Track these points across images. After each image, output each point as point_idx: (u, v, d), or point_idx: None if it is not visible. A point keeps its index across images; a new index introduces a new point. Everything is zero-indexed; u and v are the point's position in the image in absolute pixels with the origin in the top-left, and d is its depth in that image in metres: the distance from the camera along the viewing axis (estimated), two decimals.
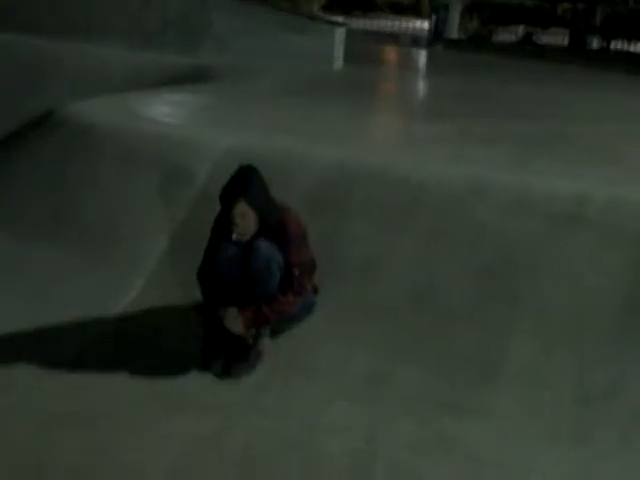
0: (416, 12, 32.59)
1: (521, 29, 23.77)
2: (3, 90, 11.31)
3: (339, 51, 12.67)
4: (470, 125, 7.92)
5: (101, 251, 5.66)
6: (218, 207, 4.82)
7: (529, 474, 3.83)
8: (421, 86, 12.61)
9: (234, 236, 4.52)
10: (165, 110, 7.88)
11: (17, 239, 5.93)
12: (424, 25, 24.22)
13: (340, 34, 12.87)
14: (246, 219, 4.47)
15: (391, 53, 16.89)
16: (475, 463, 3.86)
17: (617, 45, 21.56)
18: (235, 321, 4.48)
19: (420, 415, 4.21)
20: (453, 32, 21.31)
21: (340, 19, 18.48)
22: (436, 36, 20.16)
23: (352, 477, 3.72)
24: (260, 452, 3.86)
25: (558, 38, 22.92)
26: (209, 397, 4.30)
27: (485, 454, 3.93)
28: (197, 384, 4.41)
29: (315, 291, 4.77)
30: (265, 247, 4.48)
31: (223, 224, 4.55)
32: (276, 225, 4.54)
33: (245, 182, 4.50)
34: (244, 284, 4.49)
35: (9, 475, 3.58)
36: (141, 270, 5.43)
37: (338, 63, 12.58)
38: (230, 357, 4.54)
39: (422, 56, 16.37)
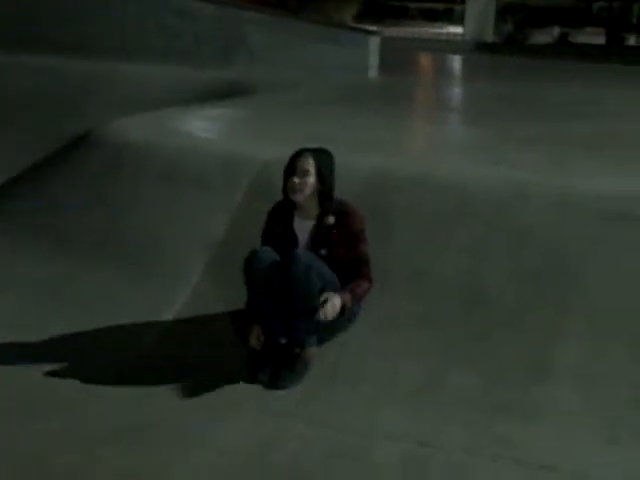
0: (449, 18, 32.52)
1: (556, 30, 23.62)
2: (43, 111, 11.40)
3: (374, 59, 12.63)
4: (511, 128, 7.87)
5: (145, 268, 5.66)
6: (259, 220, 4.82)
7: (586, 476, 3.76)
8: (458, 91, 12.55)
9: (289, 193, 4.63)
10: (203, 125, 7.90)
11: (61, 258, 5.95)
12: (457, 30, 24.13)
13: (374, 42, 12.84)
14: (306, 178, 4.60)
15: (426, 59, 16.83)
16: (530, 465, 3.80)
17: None
18: (334, 308, 4.44)
19: (472, 419, 4.16)
20: (488, 36, 21.20)
21: (373, 27, 18.44)
22: None
23: None
24: (310, 461, 3.83)
25: (594, 37, 22.75)
26: (256, 407, 4.28)
27: (540, 456, 3.87)
28: (244, 394, 4.39)
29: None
30: (305, 256, 4.49)
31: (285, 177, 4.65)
32: (339, 215, 4.64)
33: (319, 149, 4.72)
34: (284, 293, 4.47)
35: None
36: (184, 285, 5.43)
37: (373, 71, 12.55)
38: (277, 367, 4.52)
39: (457, 61, 16.30)
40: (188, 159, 6.40)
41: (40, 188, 7.06)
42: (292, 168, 4.65)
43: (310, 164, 4.62)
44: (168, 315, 5.19)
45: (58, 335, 4.99)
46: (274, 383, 4.46)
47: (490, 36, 21.71)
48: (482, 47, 19.00)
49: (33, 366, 4.67)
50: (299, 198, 4.65)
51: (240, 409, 4.26)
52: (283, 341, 4.55)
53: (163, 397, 4.36)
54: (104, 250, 5.95)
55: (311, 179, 4.63)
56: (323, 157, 4.70)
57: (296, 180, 4.62)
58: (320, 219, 4.67)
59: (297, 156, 4.67)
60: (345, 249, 4.62)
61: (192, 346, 4.89)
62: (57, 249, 6.10)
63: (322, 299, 4.43)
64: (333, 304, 4.43)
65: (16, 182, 7.62)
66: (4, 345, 4.92)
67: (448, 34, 25.24)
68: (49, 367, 4.65)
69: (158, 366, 4.70)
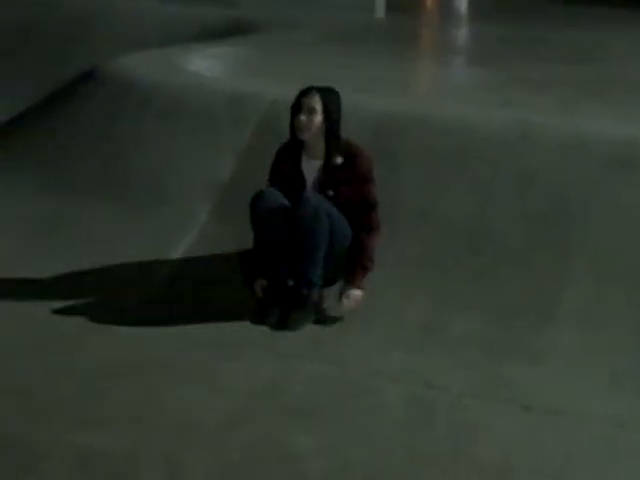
0: None
1: None
2: (42, 48, 11.32)
3: None
4: (518, 71, 7.81)
5: (150, 207, 5.65)
6: (267, 159, 4.80)
7: (589, 420, 3.77)
8: (466, 32, 12.43)
9: (296, 131, 4.61)
10: (208, 64, 7.84)
11: (65, 197, 5.94)
12: None
13: None
14: (312, 115, 4.58)
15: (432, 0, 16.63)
16: (535, 409, 3.81)
17: None
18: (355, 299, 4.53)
19: (477, 361, 4.19)
20: None
21: None
22: None
23: (413, 422, 3.70)
24: (317, 401, 3.85)
25: None
26: (264, 348, 4.30)
27: (544, 400, 3.89)
28: (251, 335, 4.42)
29: None
30: (314, 197, 4.49)
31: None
32: (347, 155, 4.62)
33: (326, 87, 4.69)
34: (292, 234, 4.49)
35: (65, 425, 3.60)
36: (192, 225, 5.42)
37: (380, 11, 12.37)
38: (285, 308, 4.52)
39: (464, 2, 16.10)
40: (194, 97, 6.35)
41: (43, 125, 7.01)
42: (299, 106, 4.62)
43: (317, 102, 4.59)
44: (175, 255, 5.19)
45: (61, 273, 5.00)
46: (282, 325, 4.47)
47: None
48: None
49: (36, 303, 4.70)
50: (306, 136, 4.63)
51: (247, 349, 4.27)
52: (291, 283, 4.55)
53: (168, 336, 4.39)
54: (108, 189, 5.93)
55: (318, 117, 4.60)
56: (330, 95, 4.67)
57: (303, 118, 4.59)
58: (328, 158, 4.65)
59: (304, 94, 4.64)
60: (353, 190, 4.61)
61: (199, 286, 4.90)
62: (60, 187, 6.08)
63: (340, 291, 4.54)
64: (352, 295, 4.52)
65: (19, 118, 7.58)
66: (6, 282, 4.95)
67: None
68: (53, 304, 4.67)
69: (164, 305, 4.72)
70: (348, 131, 4.78)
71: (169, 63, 7.54)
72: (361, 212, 4.60)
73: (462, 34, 12.26)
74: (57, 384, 3.92)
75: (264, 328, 4.47)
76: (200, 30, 10.90)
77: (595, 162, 5.09)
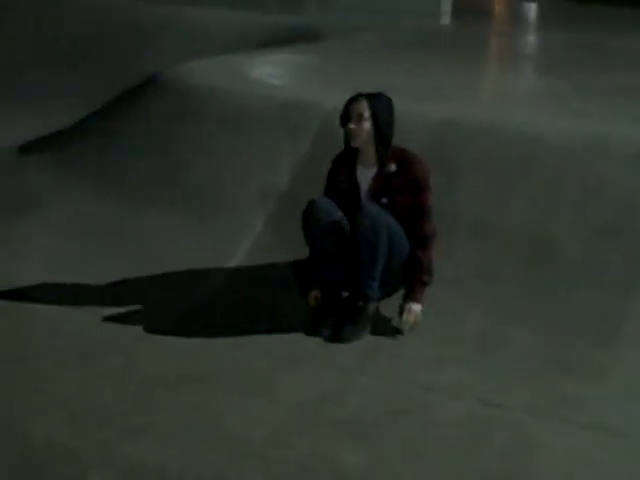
0: None
1: None
2: (109, 53, 11.42)
3: (446, 5, 12.37)
4: (584, 79, 7.69)
5: (207, 213, 5.62)
6: (325, 168, 4.74)
7: None
8: (532, 40, 12.29)
9: (348, 140, 4.54)
10: (270, 70, 7.81)
11: (123, 201, 5.94)
12: None
13: None
14: (361, 122, 4.48)
15: (499, 6, 16.49)
16: (598, 430, 3.68)
17: None
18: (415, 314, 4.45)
19: (536, 378, 4.06)
20: None
21: None
22: None
23: (467, 440, 3.59)
24: (371, 416, 3.76)
25: None
26: (318, 360, 4.23)
27: (604, 418, 3.75)
28: (306, 347, 4.35)
29: None
30: (372, 209, 4.39)
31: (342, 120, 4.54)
32: (401, 162, 4.50)
33: (375, 93, 4.58)
34: (348, 246, 4.41)
35: (114, 435, 3.56)
36: (247, 233, 5.37)
37: (445, 18, 12.29)
38: (340, 320, 4.44)
39: (532, 9, 15.96)
40: (254, 103, 6.32)
41: (104, 129, 7.04)
42: (347, 114, 4.54)
43: (365, 108, 4.49)
44: (229, 264, 5.14)
45: (112, 279, 4.98)
46: (337, 337, 4.40)
47: None
48: None
49: (86, 310, 4.68)
50: (357, 144, 4.54)
51: (302, 362, 4.21)
52: (345, 294, 4.47)
53: (223, 346, 4.33)
54: (165, 195, 5.91)
55: (367, 124, 4.49)
56: (378, 101, 4.56)
57: (352, 126, 4.50)
58: (381, 166, 4.56)
59: (351, 101, 4.56)
60: (408, 197, 4.49)
61: (254, 297, 4.84)
62: (116, 191, 6.08)
63: (400, 306, 4.46)
64: (413, 311, 4.44)
65: (80, 122, 7.61)
66: (60, 285, 4.92)
67: None
68: (105, 310, 4.65)
69: (216, 315, 4.68)
70: (410, 139, 4.71)
71: (231, 69, 7.54)
72: (416, 221, 4.49)
73: (528, 41, 12.12)
74: (107, 394, 3.89)
75: (318, 340, 4.40)
76: (265, 37, 10.92)
77: None
